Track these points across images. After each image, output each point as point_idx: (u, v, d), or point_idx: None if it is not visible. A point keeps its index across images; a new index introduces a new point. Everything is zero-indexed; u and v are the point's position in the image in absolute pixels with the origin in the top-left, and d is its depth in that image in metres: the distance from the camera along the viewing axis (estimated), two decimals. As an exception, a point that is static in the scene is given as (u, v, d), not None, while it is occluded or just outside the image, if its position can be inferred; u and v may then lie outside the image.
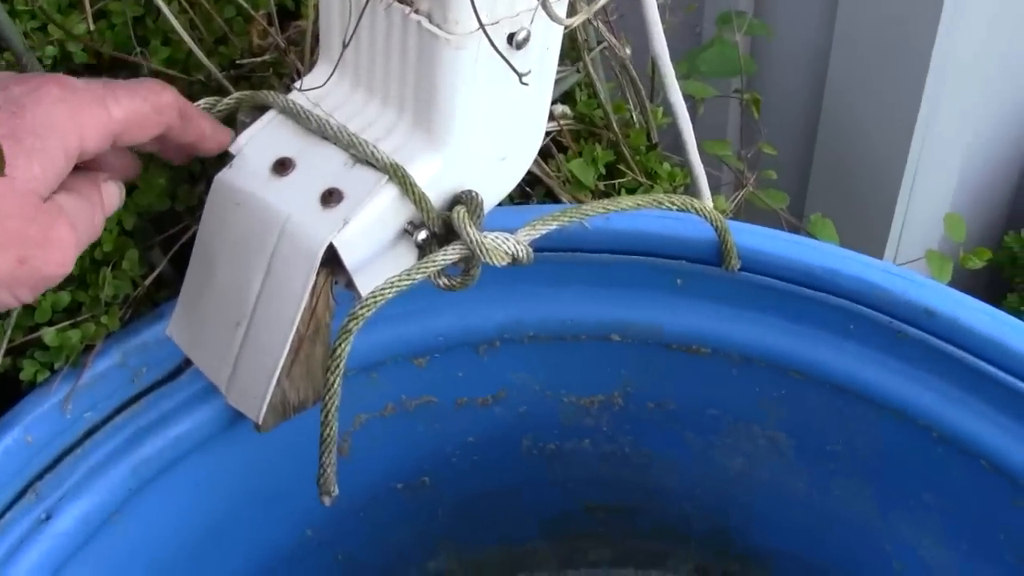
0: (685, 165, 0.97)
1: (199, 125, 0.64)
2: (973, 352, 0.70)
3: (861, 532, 0.87)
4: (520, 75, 0.54)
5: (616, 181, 0.93)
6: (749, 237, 0.74)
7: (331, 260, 0.63)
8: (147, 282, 0.76)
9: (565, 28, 0.61)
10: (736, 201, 1.04)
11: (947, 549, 0.82)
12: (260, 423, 0.67)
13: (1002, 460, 0.72)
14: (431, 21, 0.58)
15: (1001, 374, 0.70)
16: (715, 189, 1.12)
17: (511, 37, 0.59)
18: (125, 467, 0.76)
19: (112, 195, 0.62)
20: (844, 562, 0.90)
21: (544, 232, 0.65)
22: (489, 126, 0.62)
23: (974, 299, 0.71)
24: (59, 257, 0.56)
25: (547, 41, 0.62)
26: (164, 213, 0.78)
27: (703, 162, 0.98)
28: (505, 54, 0.58)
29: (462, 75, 0.59)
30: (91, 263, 0.73)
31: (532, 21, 0.59)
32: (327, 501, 0.66)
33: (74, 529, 0.74)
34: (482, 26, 0.54)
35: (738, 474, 0.89)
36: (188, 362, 0.75)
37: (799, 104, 1.32)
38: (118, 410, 0.75)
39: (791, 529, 0.91)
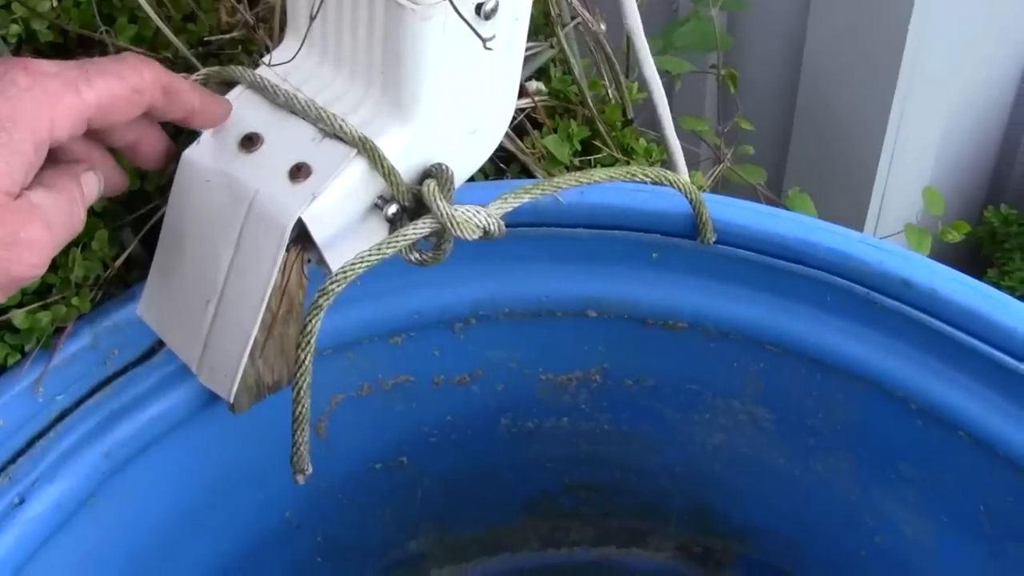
0: (661, 141, 0.97)
1: (187, 100, 0.61)
2: (951, 323, 0.70)
3: (842, 507, 0.86)
4: (484, 40, 0.54)
5: (592, 157, 0.92)
6: (724, 209, 0.73)
7: (301, 236, 0.62)
8: (118, 263, 0.75)
9: (533, -3, 0.60)
10: (714, 176, 1.04)
11: (927, 521, 0.82)
12: (232, 402, 0.67)
13: (980, 430, 0.72)
14: (398, -9, 0.57)
15: (979, 344, 0.69)
16: (693, 165, 1.12)
17: (479, 7, 0.59)
18: (98, 450, 0.75)
19: (92, 185, 0.60)
20: (825, 537, 0.90)
21: (516, 205, 0.64)
22: (458, 98, 0.62)
23: (951, 269, 0.71)
24: (31, 258, 0.54)
25: (516, 12, 0.61)
26: (134, 193, 0.77)
27: (680, 138, 0.98)
28: (473, 24, 0.57)
29: (429, 46, 0.58)
30: (60, 244, 0.73)
31: (500, -9, 0.59)
32: (300, 479, 0.66)
33: (48, 514, 0.74)
34: (448, -6, 0.53)
35: (718, 450, 0.88)
36: (160, 343, 0.75)
37: (777, 79, 1.32)
38: (90, 392, 0.74)
39: (771, 505, 0.91)
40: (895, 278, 0.70)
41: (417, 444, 0.89)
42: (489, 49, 0.55)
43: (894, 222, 1.29)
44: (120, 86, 0.57)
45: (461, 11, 0.57)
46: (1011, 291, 1.40)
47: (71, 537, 0.76)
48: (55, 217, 0.55)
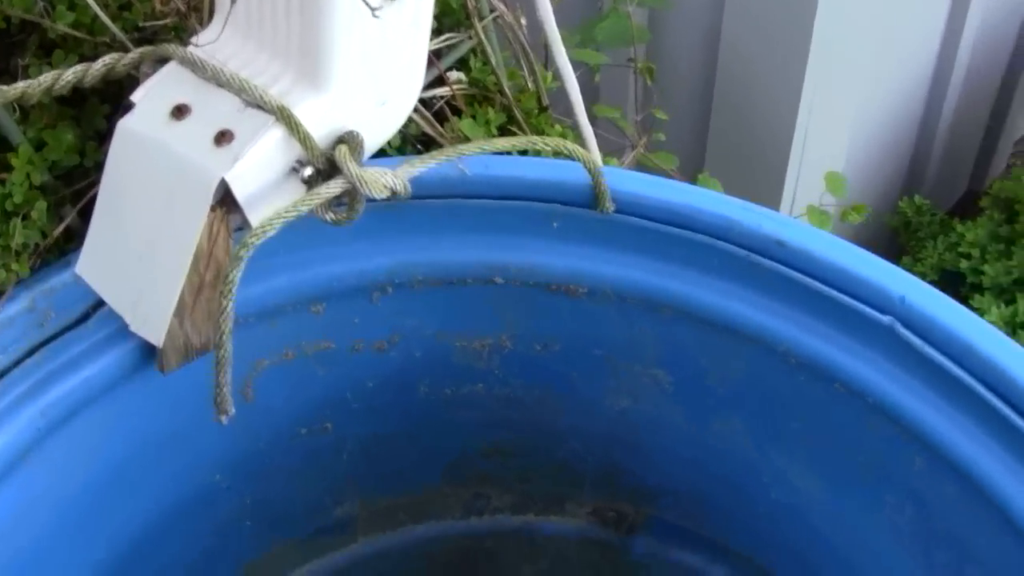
0: (576, 127, 1.07)
1: None
2: (823, 280, 0.81)
3: (740, 464, 0.97)
4: (372, 9, 0.65)
5: (508, 141, 1.03)
6: (619, 180, 0.84)
7: (227, 199, 0.72)
8: (56, 232, 0.85)
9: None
10: (627, 162, 1.15)
11: (815, 475, 0.92)
12: (160, 349, 0.77)
13: (853, 382, 0.83)
14: (312, -27, 0.68)
15: (846, 299, 0.80)
16: (613, 153, 1.23)
17: (386, -13, 0.70)
18: (34, 409, 0.83)
19: None
20: (727, 496, 1.01)
21: (422, 168, 0.75)
22: (368, 71, 0.72)
23: (823, 231, 0.82)
24: None
25: (421, -7, 0.72)
26: (74, 168, 0.86)
27: (602, 128, 1.09)
28: (381, 2, 0.68)
29: (341, 22, 0.69)
30: (2, 214, 0.82)
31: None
32: (224, 420, 0.76)
33: (-15, 468, 0.82)
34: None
35: (624, 413, 0.99)
36: (95, 307, 0.84)
37: (695, 71, 1.43)
38: (27, 353, 0.83)
39: (676, 466, 1.02)
40: (771, 239, 0.81)
41: (340, 410, 0.99)
42: (377, 17, 0.66)
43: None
44: None
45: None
46: (923, 277, 1.52)
47: (5, 493, 0.84)
48: None
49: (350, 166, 0.71)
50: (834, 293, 0.81)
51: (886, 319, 0.79)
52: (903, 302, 0.78)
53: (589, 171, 0.83)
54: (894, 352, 0.80)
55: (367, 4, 0.64)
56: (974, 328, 0.78)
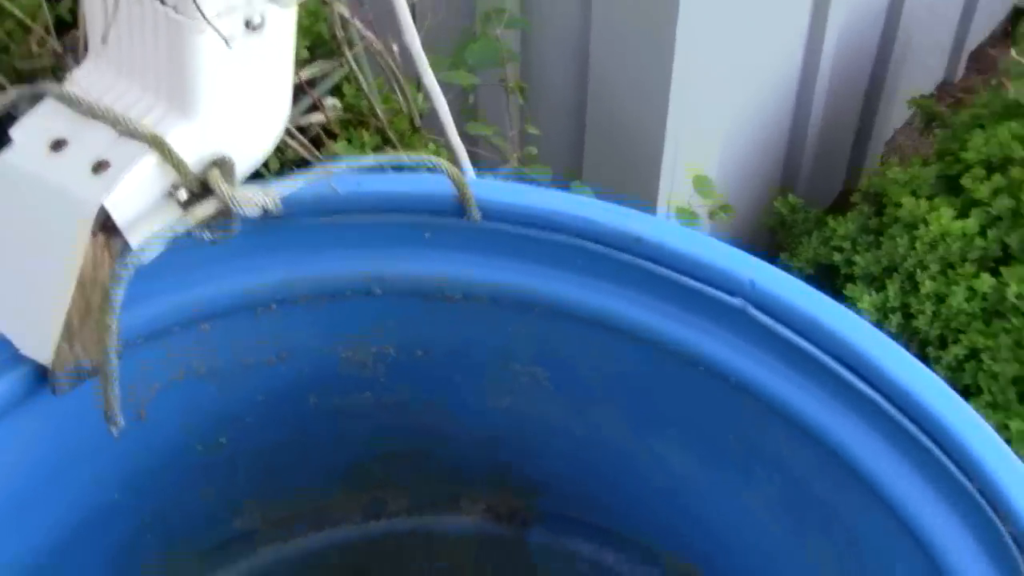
0: (448, 145, 1.14)
1: None
2: (678, 269, 0.88)
3: (620, 453, 1.03)
4: (226, 40, 0.70)
5: (383, 160, 1.09)
6: (483, 189, 0.90)
7: (108, 226, 0.77)
8: (-54, 268, 0.89)
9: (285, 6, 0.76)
10: (501, 176, 1.21)
11: (691, 457, 0.99)
12: (51, 370, 0.81)
13: (713, 363, 0.90)
14: (176, 11, 0.73)
15: (701, 286, 0.87)
16: (493, 168, 1.29)
17: (248, 22, 0.75)
18: (-69, 438, 0.87)
19: None
20: (611, 486, 1.07)
21: (292, 187, 0.81)
22: (236, 99, 0.78)
23: (676, 226, 0.88)
24: None
25: (281, 24, 0.78)
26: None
27: (481, 146, 1.15)
28: (243, 36, 0.74)
29: (206, 55, 0.74)
30: None
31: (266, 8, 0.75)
32: (115, 431, 0.81)
33: None
34: (205, 16, 0.69)
35: (507, 411, 1.05)
36: (-15, 337, 0.88)
37: (569, 87, 1.51)
38: (-80, 385, 0.87)
39: (561, 458, 1.08)
40: (629, 236, 0.88)
41: (234, 425, 1.03)
42: (231, 48, 0.72)
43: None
44: None
45: (233, 23, 0.73)
46: (800, 271, 1.61)
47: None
48: None
49: (222, 187, 0.76)
50: (690, 282, 0.87)
51: (738, 302, 0.86)
52: (752, 285, 0.85)
53: (454, 182, 0.89)
54: (748, 332, 0.87)
55: (221, 37, 0.70)
56: (818, 305, 0.85)
